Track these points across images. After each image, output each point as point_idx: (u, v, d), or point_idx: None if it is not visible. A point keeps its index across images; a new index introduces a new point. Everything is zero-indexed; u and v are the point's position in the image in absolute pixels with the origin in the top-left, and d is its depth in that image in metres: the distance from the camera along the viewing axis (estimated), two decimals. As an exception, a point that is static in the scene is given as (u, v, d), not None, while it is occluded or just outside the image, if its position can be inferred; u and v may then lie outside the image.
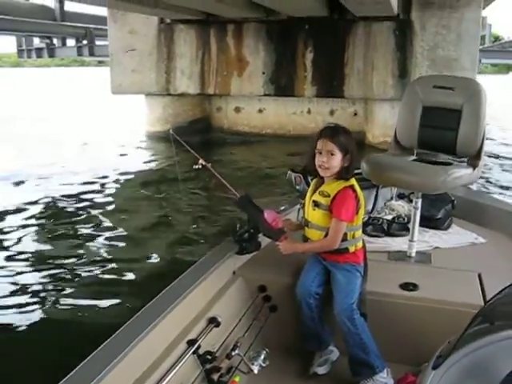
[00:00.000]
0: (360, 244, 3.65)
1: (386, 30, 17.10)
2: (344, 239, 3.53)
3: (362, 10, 15.74)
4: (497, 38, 61.23)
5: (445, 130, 4.30)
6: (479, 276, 4.00)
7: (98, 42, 27.11)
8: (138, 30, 18.73)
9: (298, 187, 4.97)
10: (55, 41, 28.90)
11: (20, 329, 6.50)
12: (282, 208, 4.91)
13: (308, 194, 3.72)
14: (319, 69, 17.90)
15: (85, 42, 27.12)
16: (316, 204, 3.57)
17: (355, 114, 18.99)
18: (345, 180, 3.52)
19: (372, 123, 17.90)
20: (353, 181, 3.55)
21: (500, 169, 16.18)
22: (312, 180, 3.85)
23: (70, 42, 28.87)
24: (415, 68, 16.77)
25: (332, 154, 3.47)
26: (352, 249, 3.59)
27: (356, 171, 3.67)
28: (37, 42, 29.74)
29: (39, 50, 29.43)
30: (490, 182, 14.00)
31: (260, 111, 19.96)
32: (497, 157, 17.61)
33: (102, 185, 14.01)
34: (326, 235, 3.54)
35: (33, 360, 5.63)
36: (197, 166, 4.06)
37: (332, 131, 3.55)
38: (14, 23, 20.74)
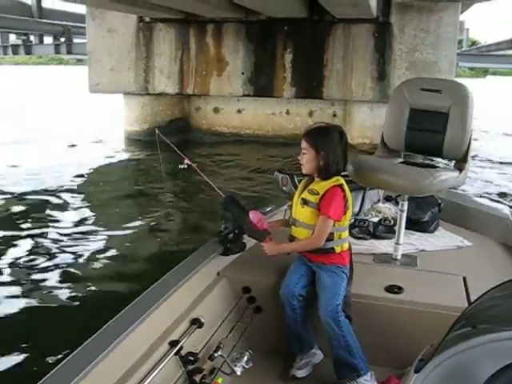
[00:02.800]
0: (346, 245, 3.65)
1: (365, 32, 17.18)
2: (330, 239, 3.53)
3: (341, 12, 15.84)
4: (473, 43, 61.94)
5: (432, 133, 4.30)
6: (464, 279, 4.02)
7: (76, 40, 26.92)
8: (116, 29, 18.59)
9: (284, 188, 4.96)
10: (32, 38, 28.69)
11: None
12: (268, 209, 4.89)
13: (297, 193, 3.72)
14: (298, 70, 17.94)
15: (62, 39, 26.90)
16: (305, 202, 3.57)
17: (334, 116, 19.00)
18: (333, 179, 3.53)
19: (350, 125, 17.92)
20: (342, 180, 3.57)
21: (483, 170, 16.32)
22: (299, 181, 3.85)
23: (48, 40, 28.71)
24: (394, 70, 16.91)
25: (304, 152, 3.56)
26: (338, 249, 3.58)
27: (343, 173, 3.68)
28: (13, 38, 29.55)
29: (16, 47, 29.20)
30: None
31: (239, 111, 19.92)
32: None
33: (79, 185, 13.90)
34: (313, 234, 3.53)
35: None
36: (182, 166, 4.04)
37: (307, 130, 3.65)
38: (-10, 19, 20.57)
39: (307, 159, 3.55)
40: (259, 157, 17.37)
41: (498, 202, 11.92)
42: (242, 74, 18.34)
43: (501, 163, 17.88)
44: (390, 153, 4.62)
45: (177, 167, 4.06)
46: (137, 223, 10.65)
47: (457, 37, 17.60)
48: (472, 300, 3.53)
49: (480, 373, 1.81)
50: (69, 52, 26.99)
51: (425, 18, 16.58)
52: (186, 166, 4.03)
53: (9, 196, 12.69)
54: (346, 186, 3.55)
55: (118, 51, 18.75)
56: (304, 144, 3.57)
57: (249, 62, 18.26)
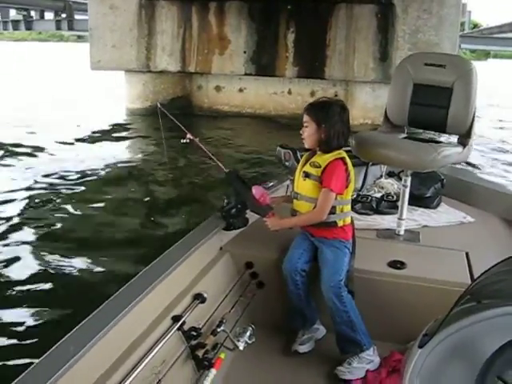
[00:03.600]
0: (348, 219, 3.65)
1: (368, 12, 17.14)
2: (332, 212, 3.52)
3: (345, -8, 15.77)
4: (475, 25, 61.73)
5: (435, 108, 4.27)
6: (467, 255, 4.03)
7: (77, 17, 26.83)
8: (118, 5, 18.51)
9: (287, 163, 4.95)
10: (33, 13, 28.55)
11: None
12: (271, 184, 4.90)
13: (299, 167, 3.72)
14: (301, 49, 17.90)
15: (64, 15, 26.78)
16: (306, 175, 3.57)
17: (336, 96, 18.87)
18: (335, 153, 3.53)
19: (352, 105, 17.82)
20: (343, 154, 3.57)
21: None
22: (302, 156, 3.84)
23: (49, 16, 28.57)
24: (396, 51, 16.83)
25: (306, 126, 3.58)
26: (340, 223, 3.58)
27: (346, 148, 3.67)
28: (13, 13, 29.41)
29: (16, 23, 29.10)
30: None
31: (241, 90, 19.87)
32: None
33: (84, 163, 13.78)
34: (315, 207, 3.52)
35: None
36: (184, 141, 4.02)
37: (309, 105, 3.66)
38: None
39: (308, 133, 3.56)
40: (260, 135, 17.35)
41: (501, 177, 11.95)
42: (244, 52, 18.29)
43: (503, 141, 17.95)
44: (394, 128, 4.60)
45: (179, 142, 4.04)
46: (138, 200, 10.69)
47: (459, 19, 17.55)
48: (475, 275, 3.56)
49: (485, 347, 1.82)
50: (70, 28, 26.94)
51: (428, -1, 16.53)
52: (187, 140, 4.01)
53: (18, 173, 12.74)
54: (348, 159, 3.55)
55: (119, 28, 18.67)
56: (305, 118, 3.58)
57: (251, 40, 18.21)
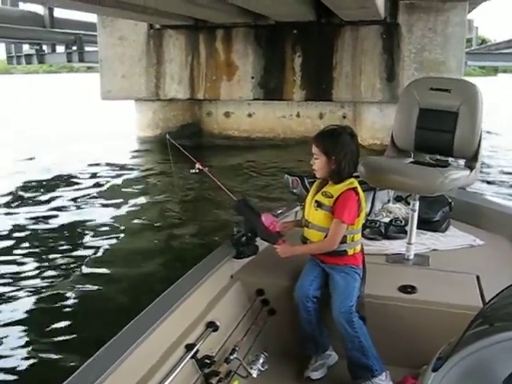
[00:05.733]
0: (359, 247, 3.65)
1: (373, 33, 17.21)
2: (343, 241, 3.53)
3: (349, 14, 15.88)
4: (483, 41, 61.48)
5: (442, 132, 4.29)
6: (477, 278, 4.00)
7: (87, 48, 26.97)
8: (127, 36, 18.70)
9: (295, 190, 4.97)
10: (45, 47, 28.76)
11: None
12: (280, 211, 4.89)
13: (310, 194, 3.71)
14: (308, 73, 17.97)
15: (74, 48, 26.94)
16: (319, 204, 3.57)
17: (344, 117, 19.04)
18: (347, 182, 3.53)
19: (360, 126, 17.92)
20: (355, 183, 3.56)
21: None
22: (309, 183, 3.85)
23: (60, 49, 28.74)
24: (403, 71, 16.92)
25: (316, 158, 3.55)
26: (351, 251, 3.58)
27: (354, 174, 3.68)
28: (26, 48, 29.60)
29: (29, 57, 29.26)
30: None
31: (249, 115, 19.96)
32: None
33: (95, 191, 13.93)
34: (326, 237, 3.53)
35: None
36: (194, 170, 4.05)
37: (317, 135, 3.63)
38: (3, 30, 20.58)
39: (319, 165, 3.55)
40: (270, 160, 17.34)
41: (509, 199, 11.89)
42: (252, 78, 18.38)
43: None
44: (400, 153, 4.61)
45: (189, 172, 4.08)
46: (149, 229, 10.69)
47: (465, 36, 17.54)
48: (486, 299, 3.54)
49: (499, 371, 1.80)
50: (81, 60, 27.03)
51: (432, 17, 16.63)
52: (197, 170, 4.04)
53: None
54: (359, 190, 3.55)
55: (129, 58, 18.84)
56: (315, 149, 3.56)
57: (258, 66, 18.31)
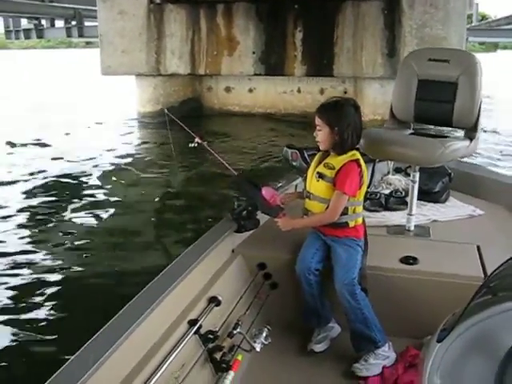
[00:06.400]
0: (360, 220, 3.64)
1: (374, 9, 17.13)
2: (344, 213, 3.52)
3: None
4: (483, 17, 61.22)
5: (441, 103, 4.27)
6: (478, 248, 4.02)
7: (87, 23, 26.88)
8: (127, 11, 18.57)
9: (294, 163, 4.94)
10: (43, 22, 28.65)
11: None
12: (280, 184, 4.88)
13: (312, 166, 3.69)
14: (309, 48, 17.94)
15: (74, 22, 26.84)
16: (320, 176, 3.54)
17: (345, 93, 18.91)
18: (349, 154, 3.51)
19: (361, 102, 17.75)
20: (358, 155, 3.54)
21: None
22: (309, 156, 3.84)
23: (59, 23, 28.63)
24: (404, 47, 16.79)
25: (319, 129, 3.52)
26: (352, 223, 3.57)
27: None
28: (24, 23, 29.50)
29: (27, 31, 29.20)
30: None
31: (250, 91, 19.97)
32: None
33: (96, 166, 13.96)
34: (328, 208, 3.53)
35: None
36: (193, 144, 4.03)
37: (320, 107, 3.59)
38: (1, 4, 20.49)
39: (322, 137, 3.52)
40: (272, 134, 17.37)
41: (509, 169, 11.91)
42: (253, 53, 18.34)
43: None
44: (400, 124, 4.60)
45: (188, 146, 4.06)
46: (148, 204, 10.71)
47: (466, 12, 17.49)
48: (487, 268, 3.56)
49: (504, 340, 1.81)
50: (80, 35, 26.97)
51: (434, -7, 16.49)
52: (196, 144, 4.02)
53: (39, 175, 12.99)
54: (362, 161, 3.53)
55: (129, 33, 18.72)
56: (318, 121, 3.53)
57: (259, 41, 18.26)
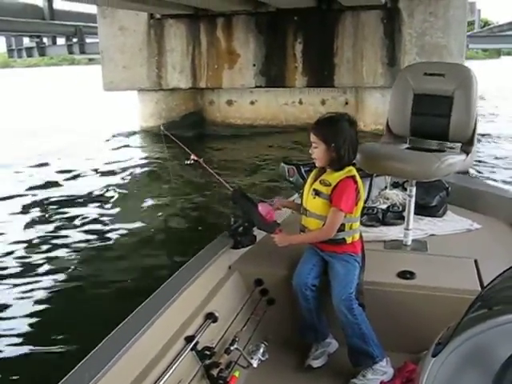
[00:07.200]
0: (357, 235, 3.65)
1: (374, 18, 17.11)
2: (341, 230, 3.53)
3: (349, 0, 15.89)
4: (486, 23, 61.19)
5: (437, 117, 4.28)
6: (475, 262, 4.01)
7: (88, 40, 26.93)
8: (127, 26, 18.64)
9: (291, 179, 4.96)
10: (45, 40, 28.71)
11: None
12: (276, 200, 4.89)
13: (308, 182, 3.70)
14: (309, 59, 17.92)
15: (75, 39, 26.88)
16: (316, 192, 3.55)
17: (346, 103, 19.02)
18: (345, 170, 3.52)
19: (363, 111, 17.93)
20: (354, 171, 3.55)
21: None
22: (306, 172, 3.85)
23: (60, 41, 28.69)
24: (404, 55, 16.80)
25: (315, 146, 3.53)
26: (349, 240, 3.58)
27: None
28: (26, 41, 29.56)
29: (29, 50, 29.22)
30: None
31: (252, 103, 19.97)
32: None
33: (95, 180, 14.06)
34: (324, 226, 3.53)
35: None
36: (189, 162, 4.05)
37: (315, 124, 3.60)
38: (3, 23, 20.56)
39: (319, 154, 3.52)
40: (274, 146, 17.41)
41: (506, 183, 11.89)
42: (254, 65, 18.34)
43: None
44: (396, 139, 4.60)
45: (184, 163, 4.08)
46: (144, 221, 10.67)
47: (466, 19, 17.44)
48: (484, 282, 3.56)
49: (498, 354, 1.79)
50: (82, 52, 26.97)
51: (433, 1, 16.45)
52: (192, 161, 4.04)
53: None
54: (358, 178, 3.53)
55: (130, 49, 18.79)
56: (313, 138, 3.53)
57: (260, 53, 18.27)
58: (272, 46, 18.11)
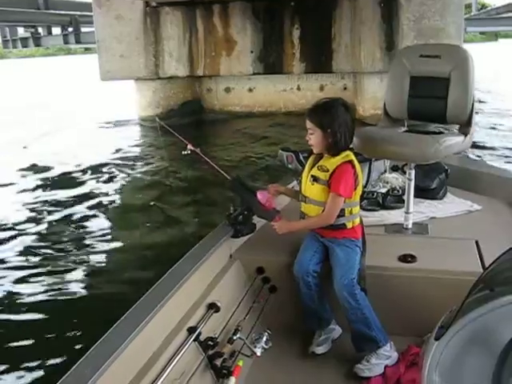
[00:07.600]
0: (357, 220, 3.64)
1: (371, 3, 16.99)
2: (341, 215, 3.52)
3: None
4: (483, 6, 60.94)
5: (434, 99, 4.26)
6: (476, 243, 4.02)
7: (83, 29, 26.77)
8: (123, 15, 18.46)
9: (289, 166, 4.95)
10: (40, 30, 28.58)
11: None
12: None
13: (306, 169, 3.69)
14: (307, 45, 17.90)
15: (70, 29, 26.73)
16: (315, 179, 3.55)
17: (345, 89, 18.99)
18: (342, 155, 3.51)
19: (362, 96, 17.87)
20: (351, 156, 3.53)
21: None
22: (304, 158, 3.83)
23: (56, 31, 28.55)
24: (402, 40, 16.62)
25: (311, 133, 3.52)
26: (349, 225, 3.58)
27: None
28: (21, 31, 29.45)
29: (25, 40, 29.09)
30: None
31: (250, 90, 19.92)
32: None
33: (91, 170, 14.02)
34: (324, 212, 3.52)
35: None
36: (185, 152, 4.03)
37: (310, 110, 3.60)
38: (-2, 13, 20.53)
39: (315, 140, 3.52)
40: (273, 133, 17.36)
41: (505, 163, 11.89)
42: (251, 52, 18.29)
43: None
44: (394, 122, 4.59)
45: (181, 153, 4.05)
46: (142, 211, 10.67)
47: (463, 2, 17.32)
48: (486, 264, 3.55)
49: (502, 335, 1.81)
50: (77, 41, 26.80)
51: (430, -16, 16.40)
52: (189, 151, 4.02)
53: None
54: (356, 162, 3.52)
55: (126, 38, 18.61)
56: (309, 124, 3.53)
57: (257, 40, 18.22)
58: (269, 32, 18.06)
